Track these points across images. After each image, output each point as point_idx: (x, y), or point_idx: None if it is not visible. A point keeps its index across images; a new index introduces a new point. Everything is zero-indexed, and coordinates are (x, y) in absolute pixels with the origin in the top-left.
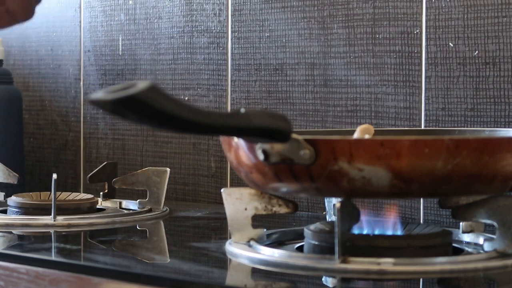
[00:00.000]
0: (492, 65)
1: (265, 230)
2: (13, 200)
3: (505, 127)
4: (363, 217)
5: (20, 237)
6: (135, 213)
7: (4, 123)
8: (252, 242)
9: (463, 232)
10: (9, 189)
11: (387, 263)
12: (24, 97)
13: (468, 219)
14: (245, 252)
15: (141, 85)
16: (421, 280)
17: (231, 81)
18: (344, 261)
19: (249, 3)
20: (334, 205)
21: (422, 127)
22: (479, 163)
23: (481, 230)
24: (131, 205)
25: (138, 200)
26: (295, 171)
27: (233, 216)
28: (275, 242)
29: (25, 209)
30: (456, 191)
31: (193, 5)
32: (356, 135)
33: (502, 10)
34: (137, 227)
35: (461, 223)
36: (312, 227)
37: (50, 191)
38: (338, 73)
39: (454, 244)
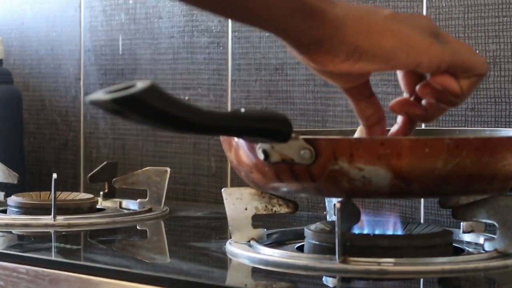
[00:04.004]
0: (493, 64)
1: (265, 230)
2: (13, 200)
3: (505, 127)
4: (363, 217)
5: (20, 237)
6: (135, 213)
7: (4, 123)
8: (252, 242)
9: (464, 232)
10: (9, 189)
11: (387, 263)
12: (24, 97)
13: (469, 219)
14: (245, 252)
15: (141, 84)
16: (421, 280)
17: (232, 80)
18: (344, 261)
19: None
20: (334, 205)
21: (422, 127)
22: (479, 163)
23: (482, 230)
24: (131, 205)
25: (138, 200)
26: (295, 171)
27: (233, 216)
28: (275, 242)
29: (25, 209)
30: (456, 191)
31: None
32: (356, 135)
33: (502, 9)
34: (137, 227)
35: (461, 223)
36: (312, 227)
37: (50, 191)
38: None
39: (454, 244)
